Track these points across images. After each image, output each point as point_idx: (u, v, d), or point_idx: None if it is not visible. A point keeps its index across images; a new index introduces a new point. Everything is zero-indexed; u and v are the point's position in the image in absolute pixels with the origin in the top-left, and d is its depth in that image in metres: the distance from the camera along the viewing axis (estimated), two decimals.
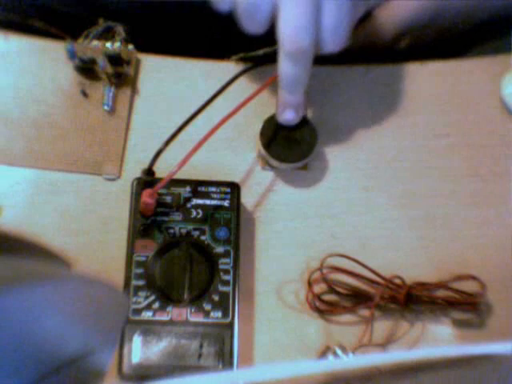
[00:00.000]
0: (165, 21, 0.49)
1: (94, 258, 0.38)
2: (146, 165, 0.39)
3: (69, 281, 0.19)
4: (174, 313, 0.35)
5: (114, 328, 0.25)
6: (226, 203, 0.38)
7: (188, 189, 0.38)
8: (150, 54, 0.44)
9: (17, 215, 0.39)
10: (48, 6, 0.49)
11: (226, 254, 0.37)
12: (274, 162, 0.40)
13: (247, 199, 0.40)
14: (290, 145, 0.40)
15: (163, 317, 0.35)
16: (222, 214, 0.38)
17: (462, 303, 0.38)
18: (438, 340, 0.38)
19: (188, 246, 0.36)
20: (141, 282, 0.35)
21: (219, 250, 0.37)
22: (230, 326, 0.35)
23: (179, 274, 0.35)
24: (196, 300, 0.35)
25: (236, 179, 0.40)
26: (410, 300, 0.38)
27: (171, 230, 0.37)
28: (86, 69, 0.42)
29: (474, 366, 0.34)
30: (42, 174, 0.40)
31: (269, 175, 0.42)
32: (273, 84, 0.39)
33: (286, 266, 0.39)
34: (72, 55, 0.41)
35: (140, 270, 0.36)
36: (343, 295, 0.39)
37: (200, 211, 0.37)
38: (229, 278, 0.36)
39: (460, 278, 0.39)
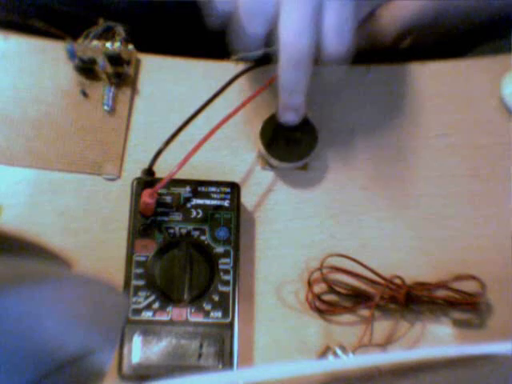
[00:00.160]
0: (165, 21, 0.49)
1: (94, 258, 0.38)
2: (145, 165, 0.39)
3: (69, 281, 0.19)
4: (174, 313, 0.35)
5: (114, 328, 0.25)
6: (226, 203, 0.38)
7: (188, 189, 0.38)
8: (150, 53, 0.44)
9: (17, 215, 0.39)
10: (48, 5, 0.49)
11: (226, 254, 0.37)
12: (274, 162, 0.40)
13: (247, 199, 0.40)
14: (289, 145, 0.40)
15: (163, 317, 0.35)
16: (222, 214, 0.38)
17: (462, 303, 0.38)
18: (437, 340, 0.38)
19: (188, 246, 0.36)
20: (141, 282, 0.35)
21: (219, 249, 0.37)
22: (230, 326, 0.35)
23: (179, 273, 0.35)
24: (196, 300, 0.35)
25: (236, 179, 0.40)
26: (409, 300, 0.38)
27: (171, 230, 0.37)
28: (86, 69, 0.42)
29: (473, 365, 0.34)
30: (42, 173, 0.40)
31: (269, 175, 0.42)
32: (273, 84, 0.39)
33: (285, 266, 0.39)
34: (72, 55, 0.41)
35: (140, 270, 0.36)
36: (343, 295, 0.39)
37: (200, 211, 0.37)
38: (229, 278, 0.36)
39: (460, 277, 0.39)
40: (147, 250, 0.36)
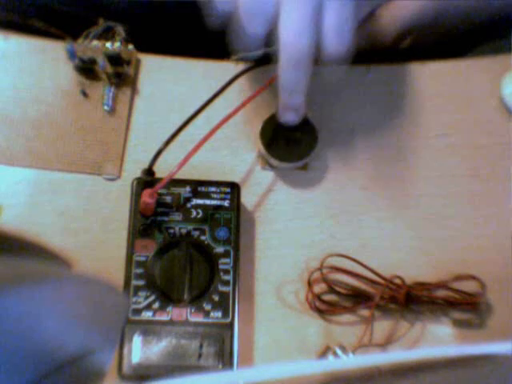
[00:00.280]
0: (165, 21, 0.49)
1: (94, 258, 0.38)
2: (145, 165, 0.39)
3: (69, 281, 0.19)
4: (174, 313, 0.35)
5: (114, 328, 0.25)
6: (226, 203, 0.38)
7: (188, 189, 0.38)
8: (150, 53, 0.44)
9: (17, 215, 0.39)
10: (48, 5, 0.49)
11: (226, 254, 0.37)
12: (274, 162, 0.40)
13: (247, 199, 0.40)
14: (289, 145, 0.40)
15: (163, 317, 0.35)
16: (222, 214, 0.38)
17: (462, 303, 0.38)
18: (437, 340, 0.38)
19: (188, 246, 0.36)
20: (141, 282, 0.35)
21: (219, 249, 0.37)
22: (230, 326, 0.35)
23: (179, 273, 0.35)
24: (196, 300, 0.35)
25: (236, 179, 0.40)
26: (409, 300, 0.38)
27: (171, 230, 0.37)
28: (86, 69, 0.42)
29: (473, 365, 0.34)
30: (42, 173, 0.40)
31: (269, 175, 0.42)
32: (273, 84, 0.39)
33: (285, 266, 0.39)
34: (72, 55, 0.41)
35: (140, 270, 0.36)
36: (343, 295, 0.39)
37: (200, 211, 0.37)
38: (229, 278, 0.36)
39: (460, 277, 0.39)
40: (147, 250, 0.36)
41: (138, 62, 0.43)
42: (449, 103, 0.45)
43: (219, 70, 0.43)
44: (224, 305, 0.35)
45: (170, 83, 0.43)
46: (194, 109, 0.42)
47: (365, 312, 0.38)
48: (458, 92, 0.45)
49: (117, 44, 0.42)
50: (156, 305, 0.35)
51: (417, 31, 0.47)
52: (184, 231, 0.37)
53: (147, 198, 0.36)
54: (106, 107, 0.42)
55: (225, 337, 0.35)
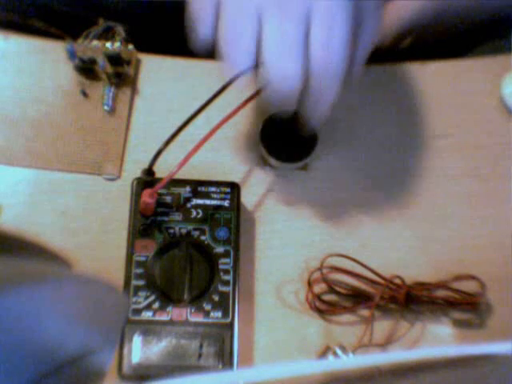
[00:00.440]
0: (165, 21, 0.49)
1: (94, 258, 0.38)
2: (145, 165, 0.39)
3: (69, 281, 0.19)
4: (174, 313, 0.35)
5: (114, 328, 0.25)
6: (226, 203, 0.38)
7: (188, 189, 0.38)
8: (150, 53, 0.44)
9: (17, 215, 0.39)
10: (48, 5, 0.49)
11: (226, 254, 0.37)
12: (274, 162, 0.40)
13: (247, 199, 0.40)
14: (289, 145, 0.40)
15: (163, 317, 0.35)
16: (222, 214, 0.38)
17: (462, 303, 0.38)
18: (438, 340, 0.38)
19: (188, 246, 0.36)
20: (141, 282, 0.35)
21: (219, 249, 0.37)
22: (230, 326, 0.35)
23: (179, 273, 0.35)
24: (196, 300, 0.35)
25: (236, 179, 0.40)
26: (409, 300, 0.38)
27: (171, 230, 0.37)
28: (86, 69, 0.42)
29: (473, 366, 0.34)
30: (42, 173, 0.40)
31: (269, 175, 0.42)
32: None
33: (285, 266, 0.39)
34: (72, 55, 0.41)
35: (140, 270, 0.36)
36: (343, 295, 0.39)
37: (200, 211, 0.37)
38: (229, 278, 0.36)
39: (460, 277, 0.39)
40: (147, 250, 0.36)
41: (138, 62, 0.43)
42: (449, 103, 0.45)
43: (219, 70, 0.43)
44: (224, 305, 0.35)
45: (170, 83, 0.43)
46: (194, 109, 0.42)
47: (365, 312, 0.38)
48: (458, 92, 0.45)
49: (117, 44, 0.42)
50: (156, 305, 0.35)
51: (416, 31, 0.47)
52: (184, 231, 0.37)
53: (147, 198, 0.36)
54: (106, 107, 0.42)
55: (225, 337, 0.35)
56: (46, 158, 0.40)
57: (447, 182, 0.42)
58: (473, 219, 0.41)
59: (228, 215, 0.38)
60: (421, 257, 0.40)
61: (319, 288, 0.39)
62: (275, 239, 0.40)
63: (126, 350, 0.34)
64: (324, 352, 0.37)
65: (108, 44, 0.42)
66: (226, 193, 0.38)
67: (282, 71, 0.31)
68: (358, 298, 0.38)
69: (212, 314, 0.35)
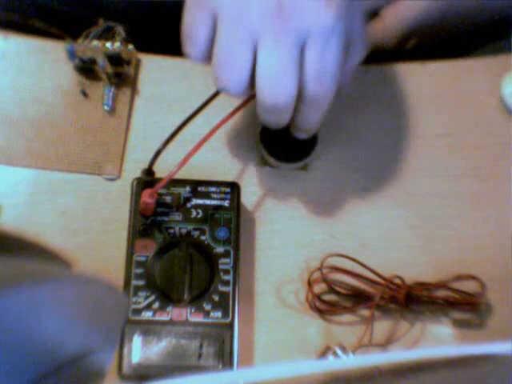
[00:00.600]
0: (165, 21, 0.49)
1: (94, 258, 0.38)
2: (145, 165, 0.39)
3: (69, 281, 0.19)
4: (174, 313, 0.35)
5: (114, 328, 0.25)
6: (226, 203, 0.38)
7: (188, 189, 0.38)
8: (150, 53, 0.44)
9: (17, 215, 0.39)
10: (48, 5, 0.49)
11: (226, 254, 0.37)
12: (274, 162, 0.40)
13: (247, 199, 0.40)
14: (289, 145, 0.40)
15: (163, 317, 0.35)
16: (222, 213, 0.38)
17: (462, 303, 0.38)
18: (438, 340, 0.38)
19: (188, 246, 0.36)
20: (141, 282, 0.35)
21: (219, 249, 0.37)
22: (230, 326, 0.35)
23: (179, 273, 0.35)
24: (196, 300, 0.35)
25: (236, 179, 0.40)
26: (409, 300, 0.38)
27: (171, 230, 0.37)
28: (86, 69, 0.42)
29: (474, 365, 0.34)
30: (42, 173, 0.40)
31: (269, 175, 0.42)
32: None
33: (285, 266, 0.39)
34: (72, 55, 0.41)
35: (140, 270, 0.36)
36: (343, 295, 0.39)
37: (200, 211, 0.37)
38: (229, 278, 0.36)
39: (460, 277, 0.39)
40: (147, 250, 0.36)
41: (138, 61, 0.43)
42: (449, 103, 0.45)
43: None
44: (224, 305, 0.35)
45: (170, 83, 0.43)
46: (194, 109, 0.42)
47: (365, 312, 0.38)
48: (458, 92, 0.45)
49: (117, 44, 0.42)
50: (156, 305, 0.35)
51: (421, 32, 0.47)
52: (184, 231, 0.37)
53: (147, 198, 0.36)
54: (106, 107, 0.42)
55: (225, 337, 0.35)
56: (46, 158, 0.40)
57: (447, 182, 0.42)
58: (473, 219, 0.42)
59: (228, 215, 0.38)
60: (421, 257, 0.40)
61: (319, 288, 0.39)
62: (275, 239, 0.40)
63: (125, 350, 0.34)
64: (324, 352, 0.37)
65: (108, 44, 0.42)
66: (225, 193, 0.38)
67: (276, 96, 0.32)
68: (357, 298, 0.38)
69: (212, 314, 0.35)
